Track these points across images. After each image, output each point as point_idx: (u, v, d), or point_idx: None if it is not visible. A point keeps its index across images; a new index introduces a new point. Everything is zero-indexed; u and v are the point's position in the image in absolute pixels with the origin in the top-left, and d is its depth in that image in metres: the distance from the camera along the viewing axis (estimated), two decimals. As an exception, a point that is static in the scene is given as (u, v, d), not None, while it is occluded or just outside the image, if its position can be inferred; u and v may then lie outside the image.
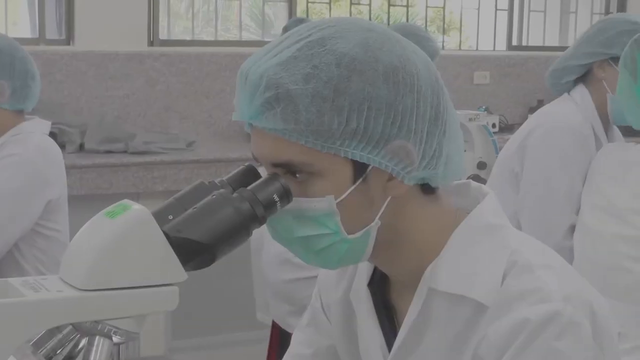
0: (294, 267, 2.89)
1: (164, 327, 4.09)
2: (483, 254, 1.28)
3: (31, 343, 1.18)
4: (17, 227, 2.59)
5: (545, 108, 2.87)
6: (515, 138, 2.84)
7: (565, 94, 2.81)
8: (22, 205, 2.60)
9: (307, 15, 5.21)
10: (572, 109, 2.75)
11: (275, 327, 3.14)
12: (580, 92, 2.76)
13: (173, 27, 5.29)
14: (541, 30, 5.80)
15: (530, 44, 5.82)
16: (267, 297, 3.05)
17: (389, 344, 1.35)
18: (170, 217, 1.18)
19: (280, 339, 3.10)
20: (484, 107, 5.07)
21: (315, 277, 2.84)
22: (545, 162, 2.71)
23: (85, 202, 3.58)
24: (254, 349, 3.87)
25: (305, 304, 1.68)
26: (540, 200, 2.70)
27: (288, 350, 1.57)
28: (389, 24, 5.54)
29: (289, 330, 2.85)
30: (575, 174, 2.65)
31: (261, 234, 3.01)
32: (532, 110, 4.60)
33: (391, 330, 1.36)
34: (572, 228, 2.62)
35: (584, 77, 2.78)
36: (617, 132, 2.86)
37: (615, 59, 2.68)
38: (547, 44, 5.87)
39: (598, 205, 2.46)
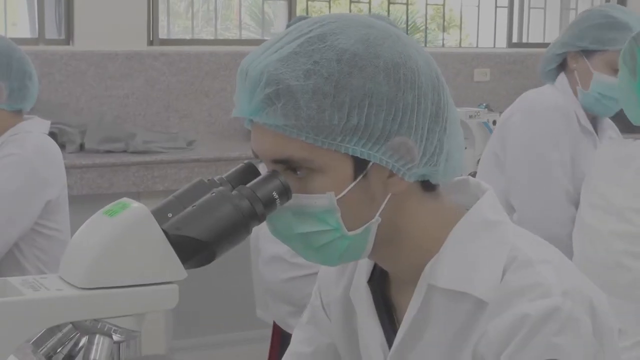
0: (290, 266, 2.89)
1: (165, 326, 4.09)
2: (482, 250, 1.28)
3: (31, 342, 1.18)
4: (16, 227, 2.59)
5: (528, 93, 2.90)
6: (498, 122, 2.90)
7: (549, 84, 2.87)
8: (21, 206, 2.59)
9: (307, 14, 5.20)
10: (555, 92, 2.82)
11: (276, 326, 3.15)
12: (561, 80, 2.83)
13: (173, 26, 5.29)
14: (541, 27, 5.79)
15: (531, 40, 5.82)
16: (266, 298, 3.05)
17: (389, 341, 1.35)
18: (170, 215, 1.17)
19: (281, 338, 3.10)
20: (484, 104, 5.07)
21: (312, 274, 2.87)
22: (532, 139, 2.74)
23: (85, 201, 3.59)
24: (255, 348, 3.87)
25: (304, 303, 1.68)
26: (534, 178, 2.71)
27: (288, 348, 1.56)
28: (388, 22, 5.52)
29: (290, 331, 2.85)
30: (563, 148, 2.67)
31: (257, 234, 3.04)
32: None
33: (391, 328, 1.36)
34: (572, 198, 2.63)
35: (564, 67, 2.84)
36: (607, 122, 2.88)
37: (586, 52, 2.73)
38: (547, 40, 5.85)
39: (596, 203, 2.46)
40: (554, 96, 2.79)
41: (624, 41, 2.64)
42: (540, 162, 2.71)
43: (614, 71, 2.69)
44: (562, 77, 2.83)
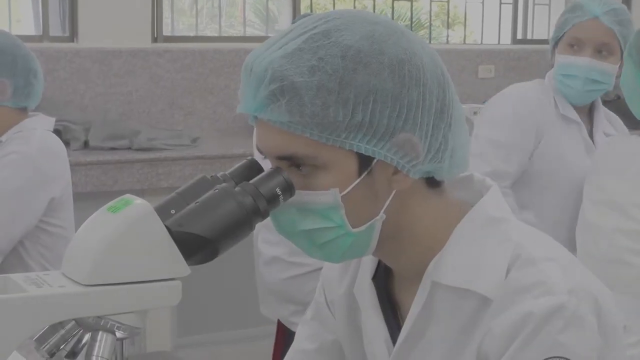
0: (288, 265, 2.91)
1: (170, 324, 4.09)
2: (486, 248, 1.27)
3: (34, 339, 1.18)
4: (20, 225, 2.59)
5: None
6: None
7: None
8: (24, 204, 2.59)
9: (312, 11, 5.20)
10: (532, 84, 2.89)
11: (281, 323, 3.15)
12: (548, 73, 2.88)
13: (177, 23, 5.29)
14: (546, 24, 5.77)
15: (535, 37, 5.80)
16: (269, 298, 3.06)
17: (393, 338, 1.35)
18: (173, 211, 1.17)
19: (285, 334, 3.10)
20: (488, 100, 5.06)
21: (312, 272, 2.88)
22: (485, 119, 2.81)
23: (90, 199, 3.58)
24: (260, 345, 3.87)
25: (306, 300, 1.68)
26: (479, 151, 2.74)
27: (292, 345, 1.56)
28: (393, 19, 5.52)
29: (294, 330, 2.85)
30: (511, 132, 2.71)
31: (256, 236, 3.05)
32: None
33: (395, 325, 1.36)
34: (500, 176, 2.67)
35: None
36: (616, 121, 2.89)
37: (556, 43, 2.82)
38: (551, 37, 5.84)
39: (599, 199, 2.45)
40: (528, 87, 2.85)
41: (574, 18, 2.70)
42: (479, 139, 2.74)
43: (572, 49, 2.73)
44: (550, 72, 2.88)
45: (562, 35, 2.80)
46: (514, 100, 2.78)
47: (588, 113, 2.85)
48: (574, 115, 2.79)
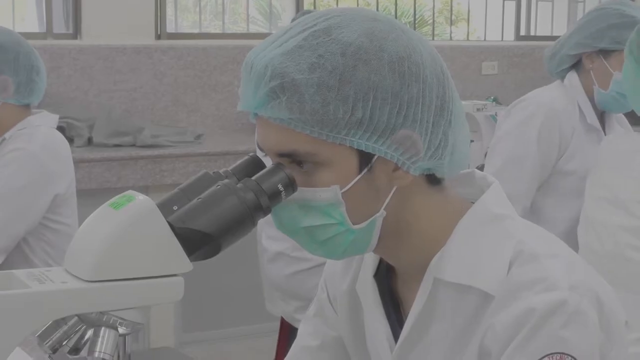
0: (293, 260, 2.91)
1: (174, 320, 4.10)
2: (488, 244, 1.27)
3: (37, 335, 1.18)
4: (23, 222, 2.59)
5: (532, 91, 2.90)
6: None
7: (559, 81, 2.85)
8: (27, 202, 2.59)
9: (315, 8, 5.20)
10: (558, 92, 2.80)
11: (284, 319, 3.16)
12: (570, 77, 2.80)
13: (181, 20, 5.29)
14: (549, 20, 5.78)
15: (539, 33, 5.80)
16: (275, 294, 3.07)
17: (396, 335, 1.35)
18: (175, 207, 1.17)
19: (289, 331, 3.11)
20: (492, 97, 5.06)
21: (316, 267, 2.89)
22: (515, 127, 2.74)
23: (94, 195, 3.58)
24: (264, 342, 3.88)
25: (311, 296, 1.68)
26: (506, 162, 2.72)
27: (295, 342, 1.56)
28: (396, 16, 5.53)
29: (298, 326, 2.86)
30: (544, 149, 2.69)
31: (260, 233, 3.05)
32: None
33: (397, 322, 1.36)
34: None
35: (577, 65, 2.81)
36: (621, 119, 2.87)
37: (603, 52, 2.71)
38: (555, 33, 5.84)
39: (602, 196, 2.45)
40: (557, 96, 2.78)
41: None
42: (501, 153, 2.73)
43: None
44: (572, 76, 2.80)
45: (618, 50, 2.69)
46: (542, 119, 2.71)
47: (600, 115, 2.83)
48: (597, 124, 2.77)
